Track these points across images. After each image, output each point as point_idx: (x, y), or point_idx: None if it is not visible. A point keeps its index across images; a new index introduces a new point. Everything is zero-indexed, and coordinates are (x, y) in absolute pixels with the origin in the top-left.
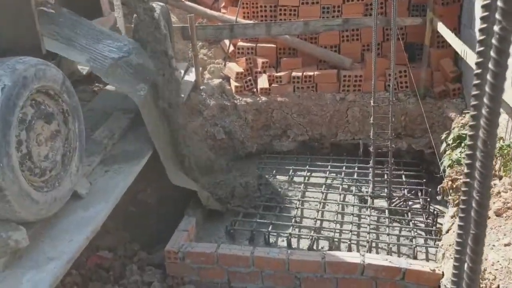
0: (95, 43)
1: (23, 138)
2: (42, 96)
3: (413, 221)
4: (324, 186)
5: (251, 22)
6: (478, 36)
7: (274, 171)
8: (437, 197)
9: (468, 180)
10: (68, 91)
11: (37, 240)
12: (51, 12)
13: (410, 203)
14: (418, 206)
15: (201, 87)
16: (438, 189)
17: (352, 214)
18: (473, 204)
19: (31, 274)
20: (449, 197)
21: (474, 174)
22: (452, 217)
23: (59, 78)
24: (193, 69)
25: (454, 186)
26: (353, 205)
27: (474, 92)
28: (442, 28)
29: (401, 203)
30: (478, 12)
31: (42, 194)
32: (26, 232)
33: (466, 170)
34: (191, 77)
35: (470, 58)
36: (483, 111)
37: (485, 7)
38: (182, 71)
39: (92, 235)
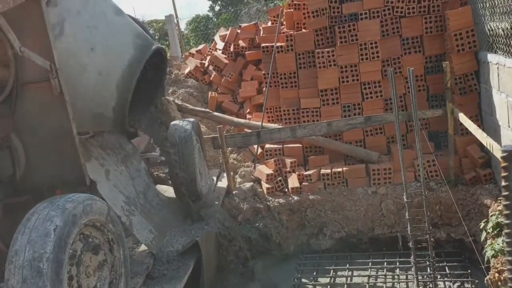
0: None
1: (73, 273)
2: (90, 228)
3: None
4: (367, 286)
5: (277, 126)
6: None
7: (315, 273)
8: None
9: None
10: (113, 220)
11: None
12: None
13: None
14: None
15: (234, 192)
16: (485, 281)
17: None
18: None
19: None
20: None
21: None
22: None
23: (104, 210)
24: (225, 175)
25: (502, 278)
26: None
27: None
28: (464, 119)
29: None
30: (497, 100)
31: None
32: None
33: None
34: (223, 182)
35: (496, 150)
36: None
37: None
38: (215, 178)
39: None
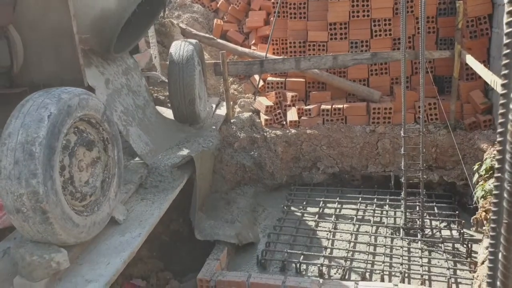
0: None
1: (66, 163)
2: (85, 124)
3: (446, 252)
4: (355, 218)
5: (281, 57)
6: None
7: (304, 203)
8: (471, 229)
9: (497, 200)
10: (109, 120)
11: (75, 263)
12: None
13: (443, 234)
14: (451, 237)
15: (232, 120)
16: (471, 220)
17: (384, 246)
18: (502, 231)
19: None
20: (484, 228)
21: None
22: (487, 248)
23: (101, 108)
24: (224, 103)
25: (488, 217)
26: (385, 237)
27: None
28: (471, 60)
29: (434, 234)
30: None
31: (82, 218)
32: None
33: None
34: (222, 110)
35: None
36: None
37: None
38: (214, 105)
39: (128, 259)
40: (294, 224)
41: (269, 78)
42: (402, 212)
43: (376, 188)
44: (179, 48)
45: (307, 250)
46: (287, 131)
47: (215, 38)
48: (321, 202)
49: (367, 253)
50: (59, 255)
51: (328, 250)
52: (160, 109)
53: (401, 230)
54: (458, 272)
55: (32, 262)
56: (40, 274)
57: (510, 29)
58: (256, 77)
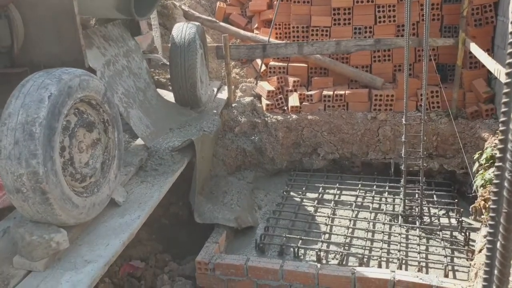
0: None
1: (66, 144)
2: (85, 105)
3: (444, 240)
4: (354, 204)
5: (283, 42)
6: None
7: (304, 188)
8: (470, 217)
9: (497, 189)
10: (109, 101)
11: (75, 244)
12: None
13: (441, 222)
14: (449, 225)
15: (233, 105)
16: (470, 209)
17: (383, 232)
18: (501, 220)
19: (69, 275)
20: (482, 217)
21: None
22: (485, 236)
23: (101, 89)
24: (226, 87)
25: (487, 205)
26: (383, 223)
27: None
28: (474, 48)
29: (433, 221)
30: None
31: (82, 199)
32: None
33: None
34: (223, 95)
35: (504, 77)
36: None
37: None
38: (215, 89)
39: (128, 241)
40: (293, 209)
41: (271, 63)
42: (401, 199)
43: (375, 175)
44: (181, 30)
45: (305, 235)
46: (288, 116)
47: (217, 21)
48: (321, 188)
49: (365, 239)
50: (59, 235)
51: (327, 235)
52: (161, 92)
53: (400, 217)
54: (455, 260)
55: (31, 242)
56: (39, 254)
57: None
58: (258, 61)
